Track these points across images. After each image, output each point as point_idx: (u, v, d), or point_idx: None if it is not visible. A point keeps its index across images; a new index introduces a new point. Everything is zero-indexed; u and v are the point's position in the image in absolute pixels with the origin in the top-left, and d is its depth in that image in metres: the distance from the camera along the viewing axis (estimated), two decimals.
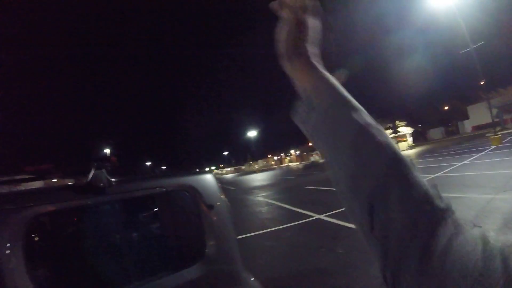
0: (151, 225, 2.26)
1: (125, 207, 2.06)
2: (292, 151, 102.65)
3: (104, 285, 1.88)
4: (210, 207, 2.09)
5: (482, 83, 26.84)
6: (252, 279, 2.30)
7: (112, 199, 1.86)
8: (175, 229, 2.18)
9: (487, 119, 37.18)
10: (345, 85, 0.54)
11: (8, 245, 1.36)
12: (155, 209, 2.24)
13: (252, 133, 75.88)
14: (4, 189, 1.88)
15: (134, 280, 1.85)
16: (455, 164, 14.19)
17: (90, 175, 1.67)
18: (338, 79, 0.53)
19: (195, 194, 2.07)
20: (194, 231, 2.12)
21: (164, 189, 1.99)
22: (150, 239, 2.23)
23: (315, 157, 75.51)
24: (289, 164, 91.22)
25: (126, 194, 1.90)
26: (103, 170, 1.73)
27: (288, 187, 19.78)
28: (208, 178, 2.23)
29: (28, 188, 2.04)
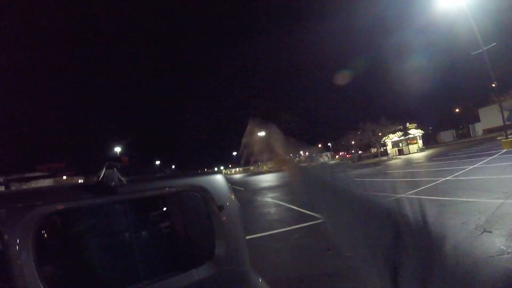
0: (160, 225, 2.26)
1: (135, 207, 2.07)
2: (301, 152, 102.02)
3: (113, 284, 1.89)
4: (220, 207, 2.08)
5: (493, 85, 26.47)
6: (260, 280, 2.30)
7: (123, 198, 1.86)
8: (185, 229, 2.18)
9: (499, 122, 36.75)
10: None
11: (18, 242, 1.37)
12: (165, 209, 2.24)
13: (261, 134, 75.57)
14: (15, 187, 1.90)
15: (143, 279, 1.86)
16: (466, 168, 14.00)
17: (102, 175, 1.67)
18: None
19: (206, 194, 2.07)
20: (204, 231, 2.12)
21: (174, 189, 1.99)
22: (159, 238, 2.23)
23: (325, 159, 75.31)
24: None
25: (137, 194, 1.90)
26: (115, 170, 1.73)
27: (296, 188, 19.50)
28: (219, 179, 2.23)
29: (39, 186, 2.05)
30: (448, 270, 0.73)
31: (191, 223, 2.21)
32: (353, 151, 62.77)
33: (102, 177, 1.67)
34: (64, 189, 1.75)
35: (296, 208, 11.16)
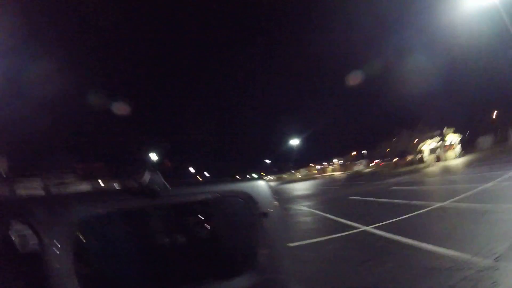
0: (202, 231, 2.22)
1: (178, 212, 2.05)
2: (335, 160, 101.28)
3: None
4: (264, 214, 2.03)
5: None
6: None
7: (166, 203, 1.84)
8: (227, 236, 2.13)
9: None
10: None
11: (57, 244, 1.36)
12: (207, 215, 2.20)
13: (294, 142, 75.59)
14: (56, 190, 1.92)
15: (184, 286, 1.82)
16: (506, 175, 13.40)
17: (146, 178, 1.65)
18: None
19: (249, 201, 2.02)
20: (246, 238, 2.06)
21: (218, 195, 1.95)
22: (200, 245, 2.19)
23: (359, 167, 74.13)
24: (332, 173, 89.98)
25: (180, 199, 1.88)
26: (159, 173, 1.71)
27: (332, 197, 19.49)
28: (262, 185, 2.17)
29: (82, 190, 2.07)
30: None
31: (234, 230, 2.15)
32: (388, 158, 61.51)
33: (147, 181, 1.65)
34: (108, 193, 1.75)
35: (332, 217, 10.94)
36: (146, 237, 2.06)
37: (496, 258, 4.51)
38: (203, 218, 2.25)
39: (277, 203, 2.23)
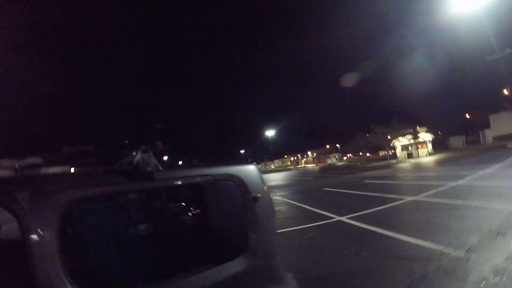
0: (195, 215, 2.19)
1: (170, 194, 2.02)
2: (309, 153, 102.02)
3: (145, 277, 1.81)
4: (255, 199, 2.03)
5: (506, 92, 26.15)
6: (289, 275, 2.25)
7: (159, 185, 1.81)
8: (219, 220, 2.10)
9: (510, 130, 36.46)
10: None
11: (42, 228, 1.30)
12: (199, 199, 2.17)
13: (270, 133, 75.55)
14: (45, 171, 1.85)
15: (177, 271, 1.79)
16: (475, 174, 13.90)
17: (138, 159, 1.61)
18: None
19: (241, 184, 2.01)
20: (238, 223, 2.05)
21: (210, 178, 1.93)
22: (193, 229, 2.16)
23: (332, 160, 75.06)
24: (305, 165, 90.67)
25: (173, 181, 1.85)
26: (151, 154, 1.67)
27: (306, 188, 19.69)
28: (253, 169, 2.17)
29: (71, 171, 2.00)
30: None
31: (225, 214, 2.13)
32: (361, 153, 62.54)
33: (139, 162, 1.61)
34: (97, 174, 1.69)
35: (307, 207, 11.06)
36: (139, 220, 2.01)
37: (468, 249, 4.75)
38: (195, 202, 2.22)
39: (267, 187, 2.23)
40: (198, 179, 1.93)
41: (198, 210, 2.17)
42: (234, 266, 1.86)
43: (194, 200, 2.18)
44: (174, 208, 2.14)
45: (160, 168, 1.67)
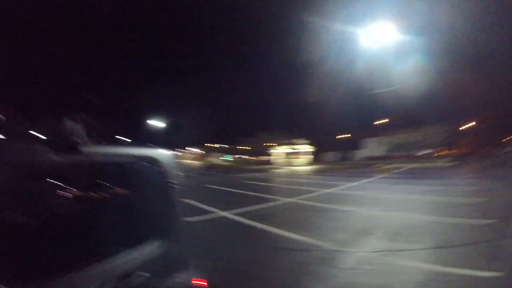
0: (116, 196, 2.07)
1: (91, 172, 1.89)
2: (194, 149, 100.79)
3: (57, 263, 1.55)
4: (172, 182, 2.07)
5: (381, 121, 29.78)
6: (193, 261, 2.31)
7: (83, 160, 1.71)
8: (137, 203, 2.02)
9: (379, 152, 43.18)
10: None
11: None
12: (119, 179, 2.08)
13: (156, 123, 72.61)
14: None
15: (92, 255, 1.62)
16: (346, 184, 15.72)
17: (66, 125, 1.51)
18: None
19: (162, 168, 2.04)
20: (154, 206, 2.07)
21: (134, 159, 1.93)
22: (110, 211, 2.01)
23: (212, 159, 75.80)
24: (189, 161, 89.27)
25: (99, 158, 1.79)
26: (81, 126, 1.60)
27: (188, 183, 19.49)
28: (168, 154, 2.21)
29: None
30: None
31: (143, 197, 2.07)
32: (242, 156, 64.77)
33: (66, 133, 1.52)
34: (15, 143, 1.54)
35: (192, 202, 11.11)
36: (57, 199, 1.79)
37: (340, 244, 5.61)
38: (116, 182, 2.08)
39: (181, 173, 2.28)
40: (119, 159, 1.91)
41: (121, 191, 2.06)
42: (148, 250, 1.86)
43: (119, 179, 2.09)
44: (96, 186, 2.00)
45: (88, 141, 1.61)
